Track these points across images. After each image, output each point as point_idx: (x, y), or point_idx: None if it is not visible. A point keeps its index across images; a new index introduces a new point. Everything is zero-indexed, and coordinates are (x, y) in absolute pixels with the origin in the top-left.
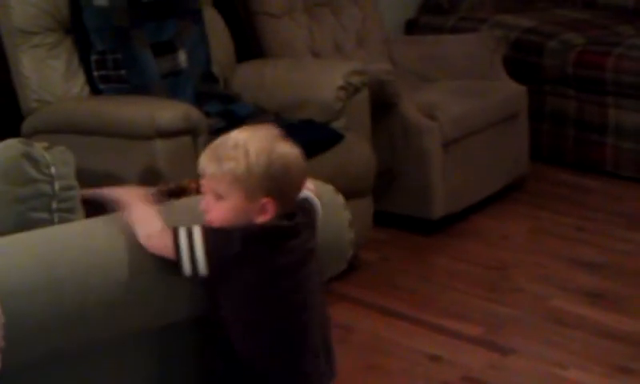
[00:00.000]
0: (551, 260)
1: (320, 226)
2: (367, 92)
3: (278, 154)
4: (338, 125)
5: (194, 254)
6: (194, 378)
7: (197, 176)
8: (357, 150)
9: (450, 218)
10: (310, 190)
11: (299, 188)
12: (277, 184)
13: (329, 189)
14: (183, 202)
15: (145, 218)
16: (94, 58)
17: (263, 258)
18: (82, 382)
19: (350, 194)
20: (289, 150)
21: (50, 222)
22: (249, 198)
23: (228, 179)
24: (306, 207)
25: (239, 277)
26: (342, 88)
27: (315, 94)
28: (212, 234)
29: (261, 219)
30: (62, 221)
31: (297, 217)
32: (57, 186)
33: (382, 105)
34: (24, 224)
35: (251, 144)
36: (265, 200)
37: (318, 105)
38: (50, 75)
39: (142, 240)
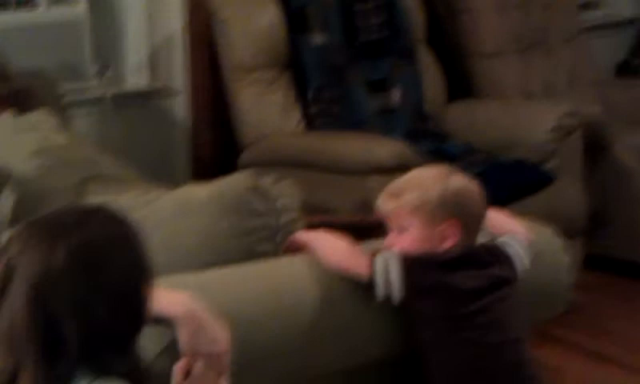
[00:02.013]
0: None
1: (536, 267)
2: (579, 134)
3: (452, 180)
4: (549, 166)
5: (390, 279)
6: None
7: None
8: (568, 192)
9: None
10: (516, 231)
11: (480, 215)
12: (455, 208)
13: (547, 231)
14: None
15: (330, 241)
16: (310, 94)
17: (453, 285)
18: None
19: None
20: (463, 178)
21: (273, 255)
22: (429, 224)
23: (407, 210)
24: (493, 250)
25: (431, 304)
26: (554, 130)
27: (527, 135)
28: (408, 261)
29: (445, 245)
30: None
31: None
32: (282, 219)
33: (594, 147)
34: (250, 256)
35: (424, 175)
36: (445, 224)
37: (530, 146)
38: (267, 110)
39: (328, 257)
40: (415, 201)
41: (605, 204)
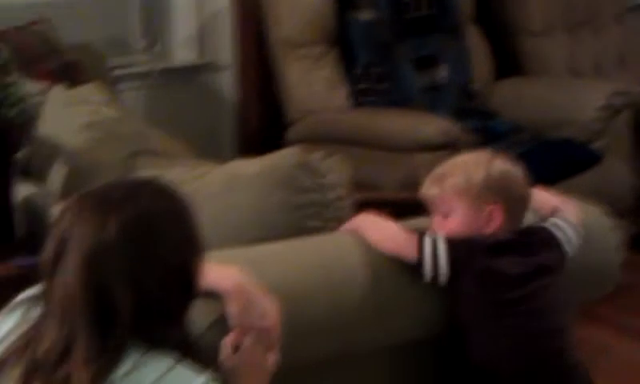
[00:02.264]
0: None
1: (585, 246)
2: (628, 113)
3: (495, 165)
4: (597, 145)
5: (438, 260)
6: None
7: None
8: (615, 172)
9: None
10: (566, 211)
11: (524, 198)
12: (499, 191)
13: (596, 210)
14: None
15: (379, 223)
16: (357, 70)
17: (499, 269)
18: None
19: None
20: (507, 162)
21: (322, 231)
22: (474, 208)
23: (451, 195)
24: (541, 235)
25: (475, 287)
26: (602, 109)
27: (575, 114)
28: (456, 244)
29: (490, 229)
30: (334, 230)
31: (528, 235)
32: (331, 195)
33: None
34: (298, 231)
35: (468, 160)
36: (490, 207)
37: (578, 124)
38: (314, 86)
39: (377, 238)
40: (460, 185)
41: None
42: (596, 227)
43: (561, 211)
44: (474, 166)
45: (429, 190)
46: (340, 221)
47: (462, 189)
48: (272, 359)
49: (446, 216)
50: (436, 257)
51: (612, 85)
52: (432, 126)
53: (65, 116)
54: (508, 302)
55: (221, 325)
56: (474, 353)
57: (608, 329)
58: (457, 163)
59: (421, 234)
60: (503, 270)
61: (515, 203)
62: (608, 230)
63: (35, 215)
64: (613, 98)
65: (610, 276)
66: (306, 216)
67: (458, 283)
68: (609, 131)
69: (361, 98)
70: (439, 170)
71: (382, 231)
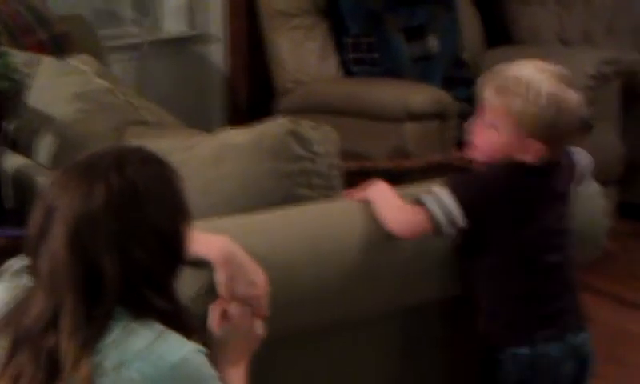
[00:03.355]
0: None
1: (574, 213)
2: (618, 82)
3: (565, 97)
4: (586, 114)
5: (449, 211)
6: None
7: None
8: (604, 140)
9: None
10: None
11: (570, 135)
12: (546, 129)
13: None
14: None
15: (388, 206)
16: (348, 40)
17: (510, 194)
18: (332, 357)
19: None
20: (570, 97)
21: (311, 199)
22: (517, 135)
23: (505, 113)
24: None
25: (491, 214)
26: (592, 77)
27: None
28: (457, 186)
29: (523, 159)
30: (323, 198)
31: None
32: (320, 164)
33: (632, 95)
34: (288, 200)
35: (534, 79)
36: (531, 142)
37: None
38: (305, 57)
39: (393, 227)
40: (514, 108)
41: None
42: (584, 194)
43: None
44: (536, 91)
45: (488, 94)
46: (330, 189)
47: (513, 112)
48: (260, 327)
49: (491, 127)
50: (445, 208)
51: (601, 53)
52: (422, 95)
53: (54, 87)
54: (524, 237)
55: (209, 293)
56: (485, 314)
57: (591, 296)
58: (522, 78)
59: (419, 200)
60: (510, 200)
61: (559, 139)
62: (596, 196)
63: (24, 187)
64: (602, 66)
65: (597, 243)
66: (296, 184)
67: (476, 224)
68: (598, 100)
69: (351, 68)
70: (506, 78)
71: (395, 216)
